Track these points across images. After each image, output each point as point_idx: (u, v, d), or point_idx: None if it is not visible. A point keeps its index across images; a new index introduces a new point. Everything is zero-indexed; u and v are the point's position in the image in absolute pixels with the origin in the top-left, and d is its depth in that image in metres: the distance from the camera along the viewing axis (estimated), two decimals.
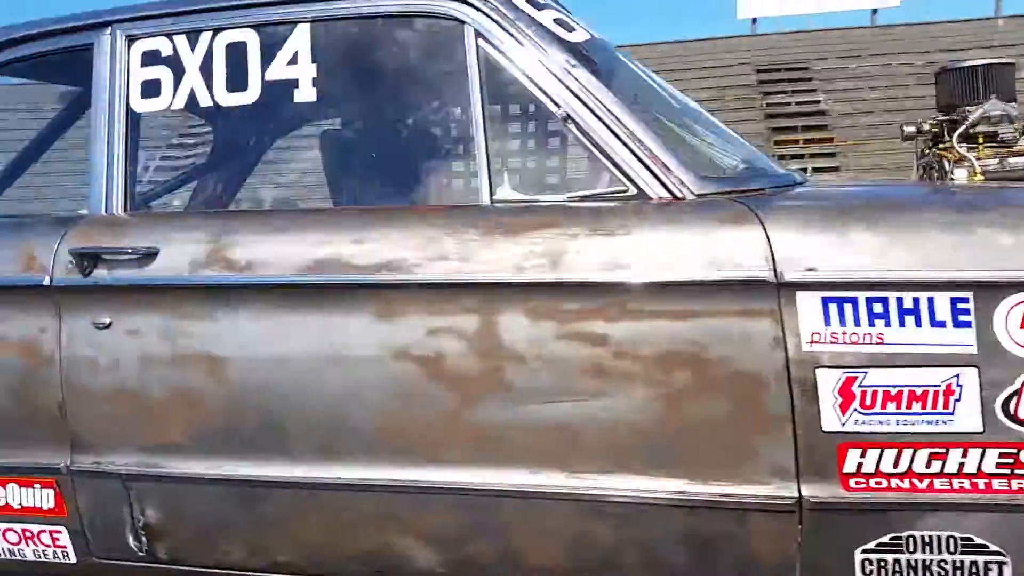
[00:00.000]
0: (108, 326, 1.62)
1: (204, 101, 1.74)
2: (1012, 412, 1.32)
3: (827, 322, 1.35)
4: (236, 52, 1.73)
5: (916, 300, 1.33)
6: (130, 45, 1.78)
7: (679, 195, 1.48)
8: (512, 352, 1.45)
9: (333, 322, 1.53)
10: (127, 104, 1.77)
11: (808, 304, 1.36)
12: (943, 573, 1.36)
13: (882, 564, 1.38)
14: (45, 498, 1.69)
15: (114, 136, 1.75)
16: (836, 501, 1.37)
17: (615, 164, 1.52)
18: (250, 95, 1.72)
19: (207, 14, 1.75)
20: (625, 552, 1.47)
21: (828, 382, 1.35)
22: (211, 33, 1.75)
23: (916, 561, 1.37)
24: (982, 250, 1.34)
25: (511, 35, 1.58)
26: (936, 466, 1.34)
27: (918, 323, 1.34)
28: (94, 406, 1.64)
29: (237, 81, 1.73)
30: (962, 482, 1.34)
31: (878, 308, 1.35)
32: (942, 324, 1.33)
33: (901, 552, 1.37)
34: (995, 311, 1.31)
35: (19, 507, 1.71)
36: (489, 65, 1.59)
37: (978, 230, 1.36)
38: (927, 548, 1.37)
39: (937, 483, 1.34)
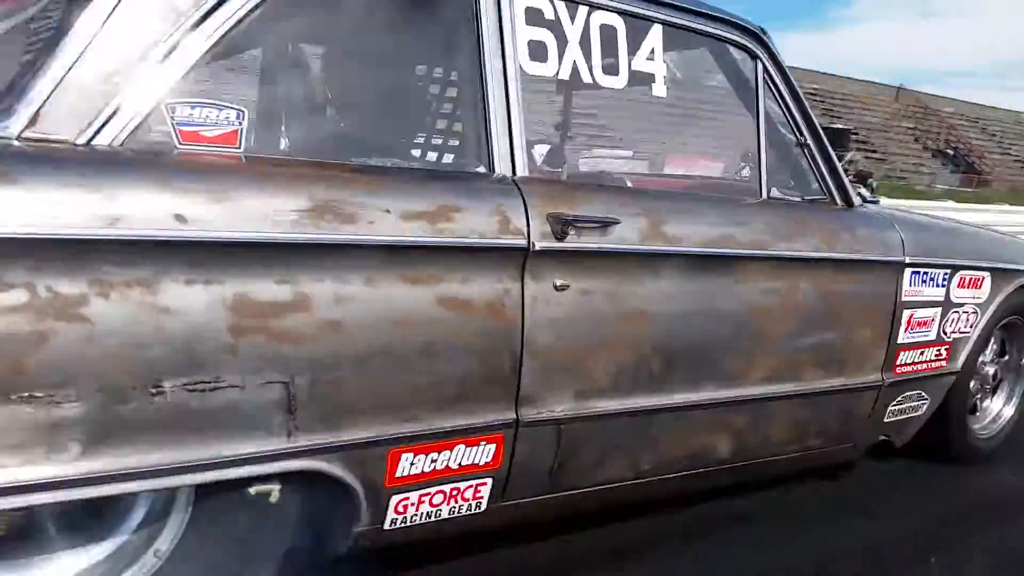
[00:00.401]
0: (565, 288, 1.74)
1: (585, 77, 1.86)
2: (946, 330, 2.67)
3: (911, 284, 2.48)
4: (608, 34, 1.90)
5: (934, 273, 2.56)
6: None
7: (855, 204, 2.39)
8: (801, 308, 2.19)
9: (721, 285, 2.00)
10: (517, 62, 1.76)
11: (908, 274, 2.46)
12: (908, 410, 2.66)
13: (894, 412, 2.61)
14: (486, 454, 1.71)
15: (513, 93, 1.74)
16: (891, 380, 2.53)
17: (824, 180, 2.33)
18: (620, 80, 1.93)
19: None
20: (815, 423, 2.38)
21: (906, 316, 2.49)
22: (587, 8, 1.87)
23: (903, 408, 2.63)
24: (962, 246, 2.65)
25: (782, 74, 2.21)
26: (923, 356, 2.61)
27: (932, 284, 2.57)
28: (546, 362, 1.74)
29: (610, 64, 1.91)
30: (927, 364, 2.64)
31: (924, 277, 2.53)
32: (939, 285, 2.59)
33: (901, 404, 2.62)
34: (953, 279, 2.63)
35: (458, 467, 1.67)
36: (766, 92, 2.19)
37: (962, 238, 2.66)
38: (907, 399, 2.64)
39: (920, 366, 2.62)
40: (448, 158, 1.91)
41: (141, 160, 1.34)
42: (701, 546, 2.29)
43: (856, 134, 38.65)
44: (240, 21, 1.46)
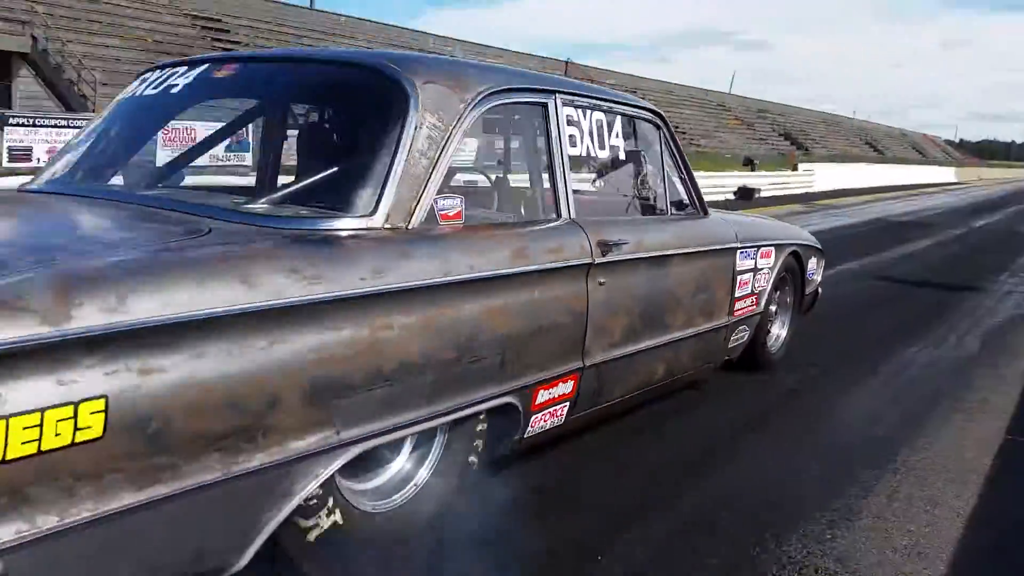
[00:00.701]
0: (603, 284, 2.93)
1: (591, 154, 3.04)
2: (755, 286, 4.18)
3: (740, 259, 3.96)
4: (599, 126, 3.09)
5: (749, 251, 4.06)
6: (563, 107, 2.90)
7: (707, 215, 3.79)
8: (694, 281, 3.55)
9: (661, 272, 3.29)
10: (566, 150, 2.90)
11: (738, 254, 3.93)
12: (739, 338, 4.15)
13: (733, 340, 4.10)
14: (569, 387, 2.87)
15: (566, 168, 2.88)
16: (732, 321, 4.01)
17: (693, 200, 3.72)
18: (604, 153, 3.12)
19: (589, 98, 3.04)
20: (700, 351, 3.78)
21: (738, 279, 3.97)
22: (590, 111, 3.04)
23: (737, 338, 4.12)
24: (760, 232, 4.18)
25: (672, 136, 3.54)
26: (746, 303, 4.11)
27: (748, 258, 4.06)
28: (594, 329, 2.93)
29: (600, 144, 3.10)
30: (748, 308, 4.14)
31: (745, 254, 4.02)
32: (751, 258, 4.09)
33: (737, 335, 4.11)
34: (758, 253, 4.14)
35: (559, 395, 2.83)
36: (665, 147, 3.51)
37: (759, 227, 4.22)
38: (739, 332, 4.13)
39: (746, 310, 4.12)
40: (537, 212, 3.00)
41: (443, 236, 2.36)
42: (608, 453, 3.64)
43: None
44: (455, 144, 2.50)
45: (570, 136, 2.99)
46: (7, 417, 1.48)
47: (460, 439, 2.57)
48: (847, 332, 6.02)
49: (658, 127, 3.54)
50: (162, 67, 2.99)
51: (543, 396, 2.77)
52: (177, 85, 2.79)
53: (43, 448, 1.53)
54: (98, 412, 1.59)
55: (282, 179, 2.88)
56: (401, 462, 2.50)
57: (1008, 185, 49.88)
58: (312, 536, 2.18)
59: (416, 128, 2.38)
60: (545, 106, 2.90)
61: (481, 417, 2.59)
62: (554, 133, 2.90)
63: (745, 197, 22.04)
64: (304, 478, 2.02)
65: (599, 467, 3.25)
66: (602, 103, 3.19)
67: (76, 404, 1.56)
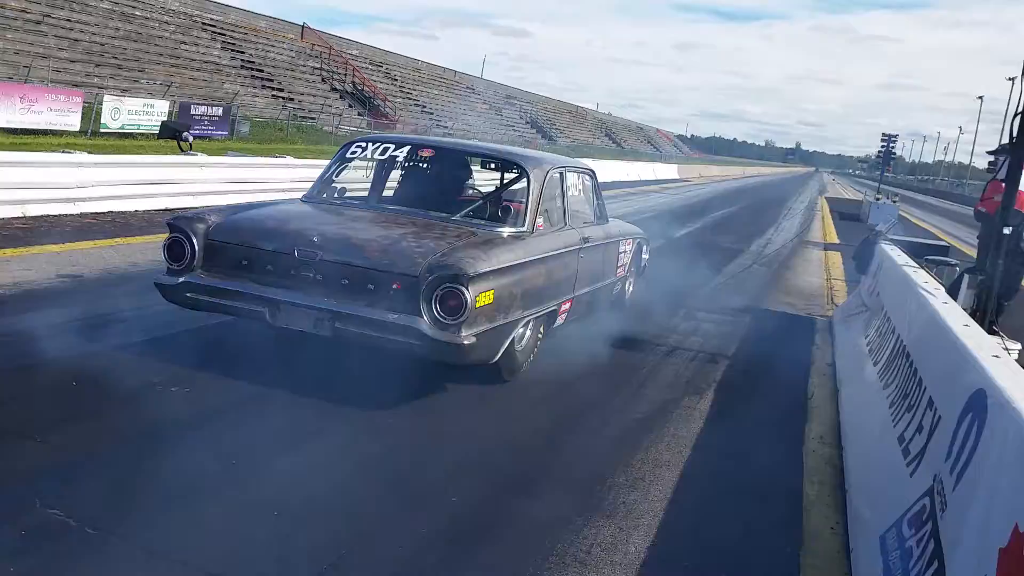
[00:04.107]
0: (583, 257, 6.50)
1: (576, 193, 6.62)
2: (624, 261, 7.95)
3: (620, 246, 7.70)
4: (577, 179, 6.67)
5: (622, 242, 7.83)
6: (567, 174, 6.46)
7: (609, 221, 7.49)
8: (606, 256, 7.22)
9: (594, 251, 6.91)
10: (569, 192, 6.44)
11: (619, 243, 7.68)
12: (617, 289, 7.88)
13: (615, 289, 7.80)
14: (568, 305, 6.40)
15: (572, 204, 6.44)
16: (615, 279, 7.72)
17: (601, 215, 7.42)
18: (578, 192, 6.71)
19: (574, 169, 6.64)
20: (603, 300, 7.46)
21: (620, 256, 7.70)
22: (573, 173, 6.63)
23: (616, 287, 7.86)
24: (630, 231, 8.06)
25: (595, 181, 7.19)
26: (620, 269, 7.84)
27: (622, 245, 7.82)
28: (579, 279, 6.49)
29: (578, 187, 6.68)
30: (621, 271, 7.89)
31: (620, 243, 7.76)
32: (623, 245, 7.86)
33: (615, 285, 7.84)
34: (625, 243, 7.91)
35: (564, 308, 6.35)
36: (595, 186, 7.16)
37: (623, 225, 8.07)
38: (616, 286, 7.86)
39: (620, 272, 7.86)
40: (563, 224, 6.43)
41: (542, 234, 5.89)
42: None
43: (262, 71, 40.99)
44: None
45: (572, 185, 6.57)
46: (485, 291, 4.82)
47: (543, 321, 5.99)
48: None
49: (592, 176, 7.20)
50: (372, 140, 6.23)
51: (562, 308, 6.29)
52: (399, 155, 6.13)
53: (479, 304, 4.87)
54: (488, 292, 4.93)
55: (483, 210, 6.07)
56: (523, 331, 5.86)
57: (720, 184, 54.90)
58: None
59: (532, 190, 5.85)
60: (568, 172, 6.49)
61: (549, 312, 6.02)
62: (567, 187, 6.45)
63: None
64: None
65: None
66: (576, 169, 6.81)
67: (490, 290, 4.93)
